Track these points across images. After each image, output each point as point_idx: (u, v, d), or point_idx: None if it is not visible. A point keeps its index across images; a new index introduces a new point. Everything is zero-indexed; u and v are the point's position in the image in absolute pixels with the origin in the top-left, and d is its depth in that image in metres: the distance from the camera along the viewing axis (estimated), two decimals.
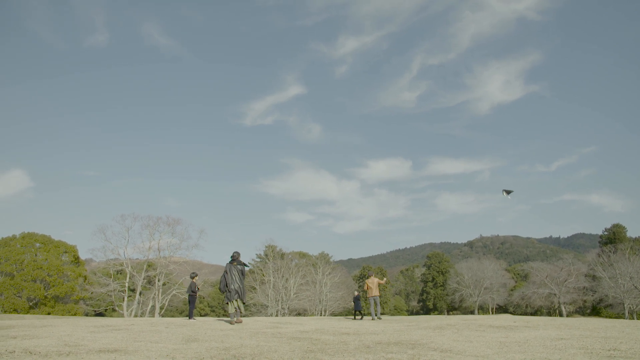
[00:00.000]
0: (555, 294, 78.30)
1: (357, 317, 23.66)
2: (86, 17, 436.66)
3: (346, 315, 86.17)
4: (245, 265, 17.32)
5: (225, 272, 16.83)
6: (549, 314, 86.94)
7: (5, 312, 54.21)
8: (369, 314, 22.76)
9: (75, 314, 59.51)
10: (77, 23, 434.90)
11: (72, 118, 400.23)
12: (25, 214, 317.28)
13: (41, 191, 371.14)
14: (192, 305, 18.31)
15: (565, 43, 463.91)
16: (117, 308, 58.36)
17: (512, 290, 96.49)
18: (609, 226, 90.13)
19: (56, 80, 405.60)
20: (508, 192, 21.44)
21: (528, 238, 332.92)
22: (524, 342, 9.09)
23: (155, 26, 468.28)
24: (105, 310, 67.08)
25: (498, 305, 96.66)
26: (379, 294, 21.47)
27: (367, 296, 21.71)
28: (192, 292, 18.61)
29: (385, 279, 23.37)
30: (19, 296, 57.73)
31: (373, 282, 21.69)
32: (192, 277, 19.15)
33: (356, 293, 25.24)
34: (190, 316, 17.96)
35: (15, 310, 55.55)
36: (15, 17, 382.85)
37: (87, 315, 64.59)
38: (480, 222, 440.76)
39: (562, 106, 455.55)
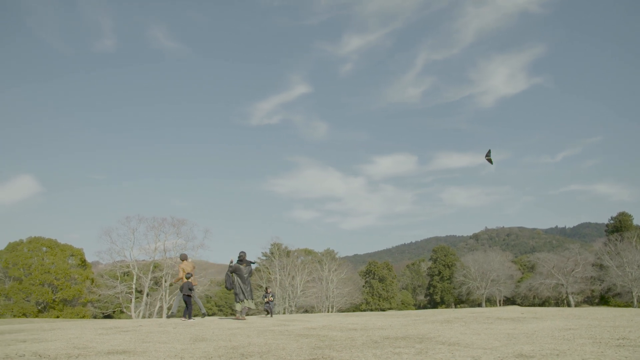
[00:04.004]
0: (562, 285, 78.19)
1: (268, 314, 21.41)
2: (93, 23, 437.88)
3: (353, 310, 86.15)
4: (252, 263, 17.60)
5: (230, 273, 17.11)
6: (557, 304, 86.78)
7: (14, 316, 54.52)
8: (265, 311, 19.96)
9: (83, 317, 59.77)
10: (85, 28, 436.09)
11: (79, 120, 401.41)
12: (34, 218, 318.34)
13: (49, 195, 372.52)
14: (190, 306, 18.11)
15: (568, 35, 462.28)
16: (124, 310, 58.58)
17: (519, 281, 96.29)
18: (614, 215, 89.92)
19: (63, 84, 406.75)
20: (489, 157, 21.06)
21: (534, 229, 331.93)
22: (532, 333, 9.07)
23: (162, 29, 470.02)
24: (113, 312, 67.38)
25: (505, 297, 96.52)
26: (197, 283, 18.04)
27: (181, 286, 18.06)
28: (189, 292, 18.35)
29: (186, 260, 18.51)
30: (27, 300, 58.02)
31: (190, 268, 18.29)
32: (188, 278, 18.98)
33: (270, 289, 22.97)
34: (189, 316, 17.81)
35: (24, 315, 55.85)
36: (22, 24, 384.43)
37: (95, 317, 64.87)
38: (486, 214, 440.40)
39: (566, 97, 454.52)
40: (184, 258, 19.09)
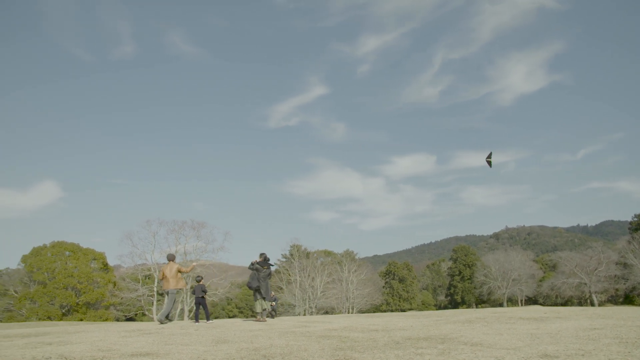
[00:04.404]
0: (585, 284, 77.08)
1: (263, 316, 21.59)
2: (112, 29, 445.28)
3: (374, 311, 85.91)
4: (271, 265, 17.69)
5: (253, 269, 17.24)
6: (580, 304, 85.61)
7: (39, 319, 55.38)
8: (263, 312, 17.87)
9: (106, 320, 60.52)
10: (103, 34, 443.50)
11: (99, 125, 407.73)
12: (57, 223, 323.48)
13: (71, 201, 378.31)
14: (206, 308, 18.03)
15: (587, 30, 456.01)
16: (146, 312, 59.16)
17: (540, 281, 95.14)
18: (638, 212, 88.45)
19: (82, 89, 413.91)
20: (489, 159, 20.94)
21: (555, 227, 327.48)
22: (556, 333, 8.97)
23: (179, 34, 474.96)
24: (135, 314, 68.04)
25: (527, 296, 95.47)
26: (178, 287, 16.33)
27: (162, 288, 16.57)
28: (203, 294, 18.21)
29: (193, 263, 17.23)
30: (52, 304, 58.91)
31: (171, 270, 16.33)
32: (199, 281, 18.83)
33: (273, 293, 22.57)
34: (207, 318, 17.77)
35: (49, 318, 56.70)
36: (40, 29, 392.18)
37: (117, 320, 65.59)
38: (506, 213, 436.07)
39: (587, 94, 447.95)
40: (170, 259, 17.03)
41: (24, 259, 63.42)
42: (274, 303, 22.06)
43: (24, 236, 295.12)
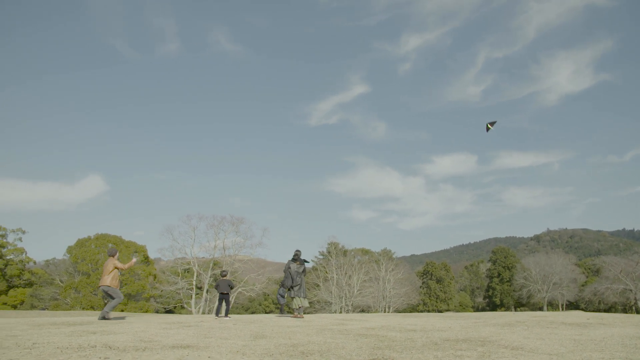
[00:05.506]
0: (631, 290, 74.63)
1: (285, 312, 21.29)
2: (158, 27, 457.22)
3: (410, 311, 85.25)
4: (305, 261, 17.77)
5: (288, 269, 17.32)
6: (625, 311, 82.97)
7: (83, 308, 57.09)
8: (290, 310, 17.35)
9: (146, 311, 61.88)
10: (150, 33, 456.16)
11: (142, 120, 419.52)
12: (101, 216, 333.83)
13: (115, 194, 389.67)
14: (228, 304, 18.08)
15: (637, 27, 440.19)
16: (185, 305, 60.21)
17: (583, 285, 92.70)
18: None
19: (128, 87, 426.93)
20: (492, 124, 20.00)
21: (599, 231, 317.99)
22: (600, 340, 8.71)
23: (223, 32, 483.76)
24: (174, 307, 69.37)
25: (568, 301, 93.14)
26: (112, 284, 15.13)
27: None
28: (228, 289, 18.16)
29: (134, 259, 14.73)
30: (94, 294, 60.60)
31: (107, 266, 15.27)
32: (224, 276, 18.65)
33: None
34: (226, 314, 17.72)
35: (92, 307, 58.38)
36: (90, 29, 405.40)
37: (157, 312, 66.98)
38: (548, 215, 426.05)
39: (636, 93, 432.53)
40: (110, 254, 15.93)
41: (70, 249, 65.51)
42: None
43: (70, 228, 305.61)
